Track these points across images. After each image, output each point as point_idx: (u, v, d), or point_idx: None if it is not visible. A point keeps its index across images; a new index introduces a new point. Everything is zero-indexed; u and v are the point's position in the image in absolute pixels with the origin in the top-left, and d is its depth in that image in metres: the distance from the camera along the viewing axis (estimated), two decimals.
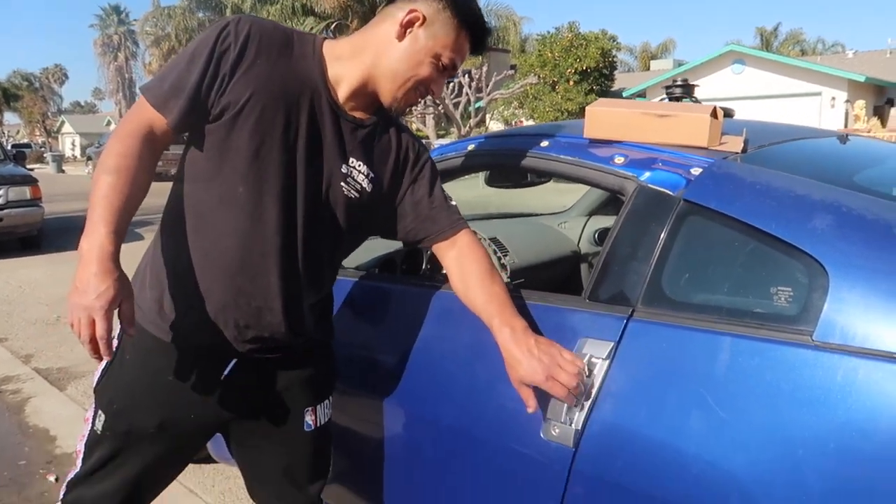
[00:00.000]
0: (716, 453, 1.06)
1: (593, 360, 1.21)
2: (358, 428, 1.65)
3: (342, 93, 1.27)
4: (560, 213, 3.05)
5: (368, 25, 1.32)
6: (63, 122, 56.01)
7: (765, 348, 1.08)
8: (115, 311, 1.10)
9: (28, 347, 4.34)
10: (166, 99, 1.20)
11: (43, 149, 41.89)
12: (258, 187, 1.22)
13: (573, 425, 1.19)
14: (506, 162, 1.58)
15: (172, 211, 1.30)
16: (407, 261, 2.10)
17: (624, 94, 22.46)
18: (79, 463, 1.34)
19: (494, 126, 23.08)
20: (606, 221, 2.89)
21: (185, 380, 1.27)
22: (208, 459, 2.23)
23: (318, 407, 1.41)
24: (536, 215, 3.06)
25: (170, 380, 1.27)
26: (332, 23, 23.58)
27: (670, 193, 1.28)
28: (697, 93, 2.28)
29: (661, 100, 2.15)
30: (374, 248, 2.06)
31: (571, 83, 22.11)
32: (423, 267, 2.15)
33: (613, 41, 23.09)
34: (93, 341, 1.08)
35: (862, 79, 19.72)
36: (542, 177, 1.94)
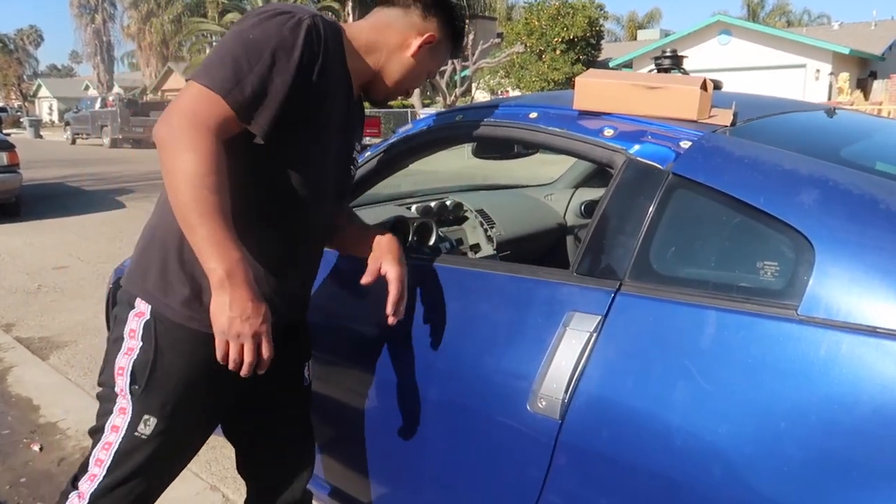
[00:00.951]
0: (700, 425, 1.07)
1: (580, 334, 1.21)
2: (344, 399, 1.65)
3: (354, 84, 1.33)
4: (546, 184, 3.05)
5: (380, 20, 1.34)
6: (40, 86, 54.71)
7: (750, 322, 1.08)
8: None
9: (8, 316, 4.29)
10: (249, 106, 1.13)
11: (20, 113, 41.00)
12: (307, 179, 1.26)
13: (559, 398, 1.20)
14: (494, 133, 1.56)
15: None
16: (392, 233, 2.08)
17: (611, 64, 22.32)
18: (100, 472, 1.26)
19: (480, 95, 22.88)
20: (593, 194, 2.89)
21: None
22: None
23: (309, 363, 1.49)
24: (523, 187, 3.05)
25: (217, 368, 1.23)
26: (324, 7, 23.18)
27: (659, 167, 1.27)
28: (684, 64, 2.27)
29: (651, 71, 2.14)
30: None
31: (558, 52, 21.91)
32: (410, 239, 2.14)
33: (601, 10, 22.86)
34: (253, 364, 1.14)
35: (846, 51, 19.73)
36: (531, 148, 1.92)
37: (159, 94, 38.49)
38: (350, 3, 24.27)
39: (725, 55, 20.77)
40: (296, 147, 1.24)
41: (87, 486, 1.27)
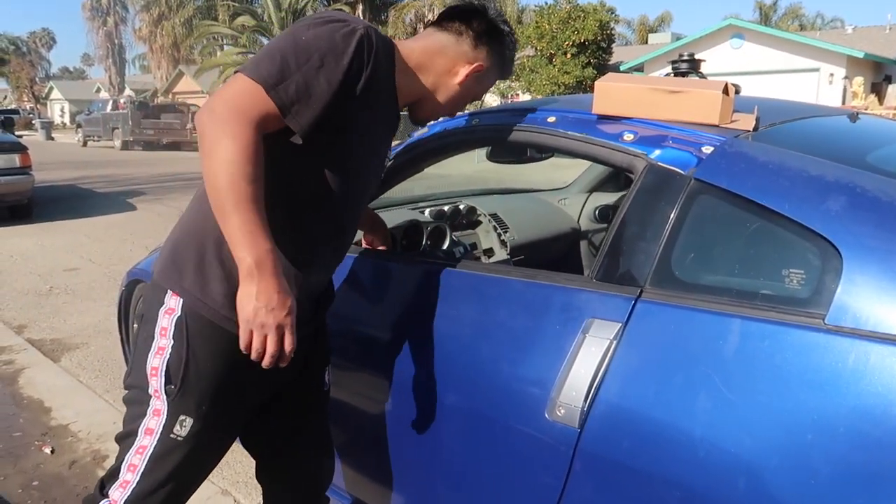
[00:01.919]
0: (724, 436, 1.05)
1: (600, 341, 1.19)
2: (360, 406, 1.64)
3: (400, 100, 1.35)
4: (560, 189, 3.03)
5: (432, 44, 1.35)
6: (52, 88, 55.13)
7: (776, 331, 1.06)
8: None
9: (20, 318, 4.30)
10: (293, 104, 1.13)
11: (31, 115, 41.31)
12: (342, 183, 1.27)
13: (578, 406, 1.18)
14: (511, 137, 1.54)
15: None
16: (406, 237, 2.07)
17: (621, 68, 22.26)
18: (133, 478, 1.25)
19: (490, 99, 22.87)
20: (607, 198, 2.87)
21: (268, 371, 1.23)
22: None
23: (328, 368, 1.49)
24: (536, 191, 3.03)
25: (253, 368, 1.22)
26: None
27: (681, 172, 1.25)
28: (701, 68, 2.24)
29: (667, 75, 2.12)
30: None
31: (569, 56, 21.86)
32: (424, 243, 2.13)
33: (612, 13, 22.80)
34: (278, 356, 1.13)
35: (861, 55, 19.59)
36: (549, 153, 1.91)
37: (170, 96, 38.70)
38: (361, 6, 24.35)
39: (738, 59, 20.66)
40: (335, 152, 1.24)
41: (120, 493, 1.25)
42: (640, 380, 1.15)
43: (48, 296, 4.81)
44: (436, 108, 1.40)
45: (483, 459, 1.35)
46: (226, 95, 1.12)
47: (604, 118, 1.43)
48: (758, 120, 1.36)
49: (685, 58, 2.14)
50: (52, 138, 30.16)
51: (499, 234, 2.53)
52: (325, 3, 26.55)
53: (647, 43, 34.31)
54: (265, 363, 1.14)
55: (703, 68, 2.26)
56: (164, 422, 1.23)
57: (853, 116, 1.70)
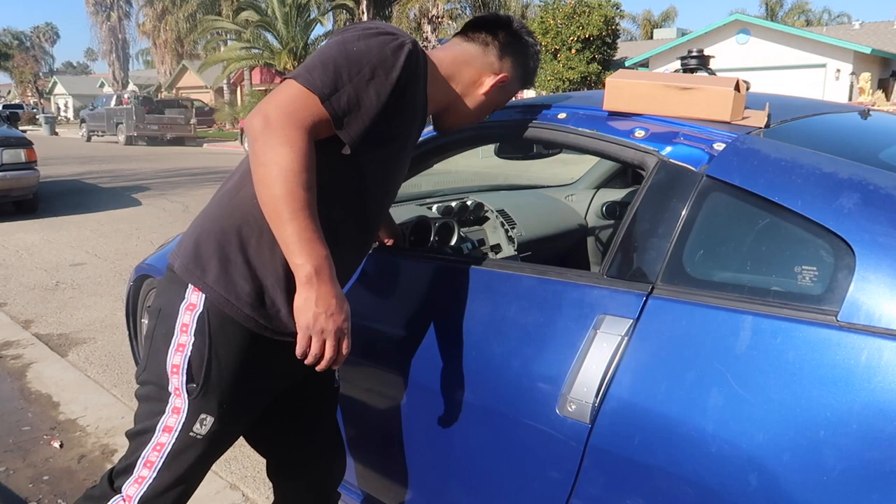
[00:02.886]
0: (735, 432, 1.05)
1: (611, 337, 1.20)
2: (371, 402, 1.65)
3: (429, 110, 1.36)
4: (567, 185, 3.02)
5: (459, 55, 1.37)
6: (55, 83, 55.19)
7: (788, 327, 1.06)
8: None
9: (27, 313, 4.32)
10: (344, 115, 1.14)
11: (35, 110, 41.38)
12: (377, 189, 1.31)
13: (590, 402, 1.18)
14: (522, 133, 1.54)
15: None
16: (414, 233, 2.07)
17: (626, 64, 22.18)
18: (150, 474, 1.25)
19: None
20: (614, 195, 2.87)
21: (284, 364, 1.26)
22: None
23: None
24: (543, 187, 3.03)
25: (273, 365, 1.26)
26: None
27: (693, 169, 1.25)
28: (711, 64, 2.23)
29: (676, 71, 2.11)
30: None
31: (574, 52, 21.79)
32: (432, 240, 2.13)
33: (617, 9, 22.71)
34: (333, 360, 1.15)
35: (868, 50, 19.49)
36: (558, 149, 1.90)
37: (174, 91, 38.72)
38: (364, 2, 24.29)
39: (744, 54, 20.58)
40: (374, 161, 1.25)
41: (135, 489, 1.26)
42: (652, 376, 1.15)
43: (55, 291, 4.83)
44: (461, 117, 1.42)
45: (494, 455, 1.35)
46: (280, 102, 1.11)
47: (615, 115, 1.43)
48: (769, 117, 1.35)
49: (694, 54, 2.13)
50: (56, 133, 30.22)
51: (506, 231, 2.53)
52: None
53: (651, 38, 34.20)
54: (320, 367, 1.16)
55: (710, 64, 2.25)
56: (183, 420, 1.23)
57: (864, 113, 1.70)
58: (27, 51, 59.39)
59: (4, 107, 27.91)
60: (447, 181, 3.05)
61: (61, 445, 2.56)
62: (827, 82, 19.73)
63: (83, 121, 26.63)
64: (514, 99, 1.53)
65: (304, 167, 1.09)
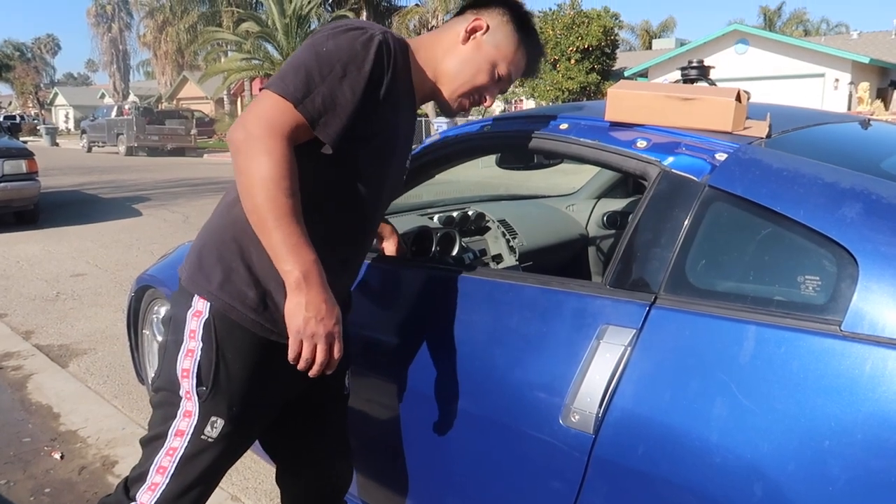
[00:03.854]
0: (739, 442, 1.05)
1: (614, 347, 1.20)
2: (374, 413, 1.64)
3: (417, 96, 1.35)
4: (568, 195, 3.03)
5: (435, 33, 1.37)
6: (56, 95, 55.36)
7: (792, 337, 1.06)
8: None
9: (28, 324, 4.32)
10: (320, 115, 1.15)
11: (36, 121, 41.50)
12: (368, 188, 1.29)
13: (593, 412, 1.18)
14: (523, 143, 1.55)
15: None
16: (416, 243, 2.08)
17: (626, 74, 22.27)
18: (163, 480, 1.25)
19: (494, 104, 22.84)
20: (615, 205, 2.87)
21: (292, 368, 1.25)
22: None
23: (348, 371, 1.48)
24: (544, 197, 3.04)
25: (274, 369, 1.26)
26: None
27: (695, 179, 1.26)
28: (711, 74, 2.25)
29: (676, 81, 2.12)
30: None
31: (573, 62, 21.90)
32: (433, 249, 2.13)
33: (616, 19, 22.84)
34: (325, 364, 1.16)
35: (866, 60, 19.57)
36: (560, 160, 1.91)
37: (174, 102, 38.84)
38: (364, 13, 24.42)
39: (742, 64, 20.66)
40: (362, 158, 1.25)
41: (148, 496, 1.26)
42: (655, 386, 1.15)
43: (55, 301, 4.83)
44: (452, 87, 1.34)
45: (497, 466, 1.35)
46: (256, 112, 1.14)
47: (616, 125, 1.43)
48: (770, 127, 1.36)
49: (694, 64, 2.14)
50: (57, 144, 30.28)
51: (507, 241, 2.53)
52: (329, 8, 26.67)
53: (650, 49, 34.35)
54: (313, 372, 1.17)
55: (710, 74, 2.26)
56: (195, 423, 1.24)
57: (864, 123, 1.70)
58: (28, 62, 59.64)
59: (5, 118, 28.00)
60: (449, 191, 3.06)
61: (62, 457, 2.55)
62: (826, 92, 19.80)
63: (84, 131, 26.69)
64: (513, 107, 1.53)
65: (284, 174, 1.10)
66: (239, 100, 33.19)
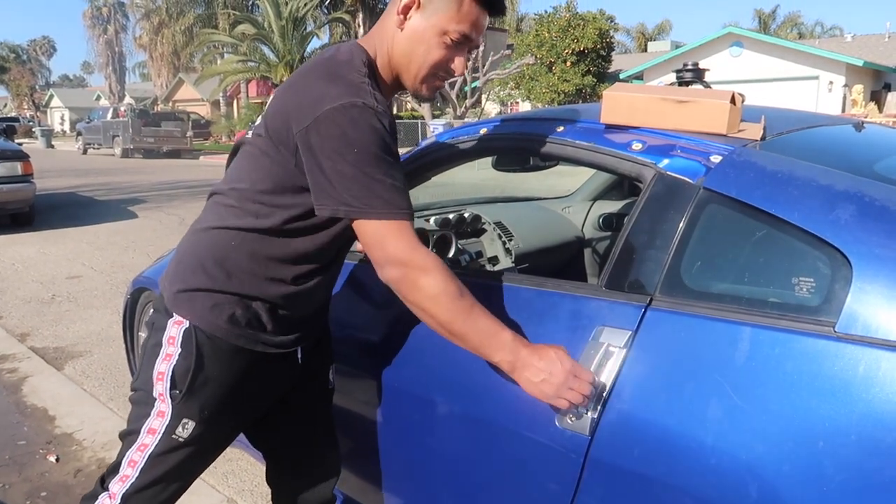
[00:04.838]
0: (735, 444, 1.05)
1: (609, 349, 1.20)
2: (368, 414, 1.64)
3: (388, 97, 1.31)
4: (564, 197, 3.04)
5: (379, 25, 1.31)
6: (52, 96, 55.23)
7: (786, 339, 1.07)
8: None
9: (23, 326, 4.30)
10: (408, 206, 1.18)
11: (31, 123, 41.39)
12: None
13: (589, 414, 1.18)
14: (519, 146, 1.56)
15: (271, 249, 1.27)
16: None
17: (621, 76, 22.34)
18: (133, 473, 1.28)
19: (490, 107, 22.92)
20: (611, 206, 2.88)
21: (273, 375, 1.30)
22: None
23: (333, 366, 1.52)
24: (540, 199, 3.04)
25: (257, 379, 1.29)
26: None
27: (690, 181, 1.26)
28: (706, 77, 2.25)
29: (671, 84, 2.13)
30: None
31: (569, 64, 21.96)
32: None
33: (611, 22, 22.90)
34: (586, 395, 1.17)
35: (860, 63, 19.67)
36: (556, 162, 1.91)
37: (170, 104, 38.79)
38: (360, 16, 24.44)
39: (737, 67, 20.75)
40: None
41: (119, 486, 1.29)
42: (651, 388, 1.16)
43: (51, 304, 4.81)
44: (409, 69, 1.26)
45: (493, 467, 1.35)
46: (381, 245, 1.16)
47: (612, 128, 1.44)
48: (765, 129, 1.37)
49: (689, 67, 2.15)
50: (53, 146, 30.22)
51: (503, 243, 2.53)
52: (326, 11, 26.67)
53: (646, 51, 34.44)
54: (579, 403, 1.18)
55: (705, 77, 2.26)
56: (166, 423, 1.26)
57: (859, 126, 1.71)
58: (24, 64, 59.48)
59: (1, 120, 27.91)
60: (444, 193, 3.06)
61: (57, 460, 2.54)
62: (820, 94, 19.90)
63: (79, 133, 26.65)
64: (509, 109, 1.53)
65: (447, 280, 1.14)
66: (235, 101, 33.16)
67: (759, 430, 1.04)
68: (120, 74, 55.00)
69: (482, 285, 1.47)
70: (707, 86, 2.12)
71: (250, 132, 1.32)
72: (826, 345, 1.04)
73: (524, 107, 23.75)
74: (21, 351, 3.76)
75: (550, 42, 22.12)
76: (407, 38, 1.24)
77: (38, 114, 51.63)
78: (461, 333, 1.15)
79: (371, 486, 1.72)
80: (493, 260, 2.51)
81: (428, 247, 2.12)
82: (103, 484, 1.33)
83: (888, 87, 20.54)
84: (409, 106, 23.83)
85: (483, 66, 19.30)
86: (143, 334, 2.75)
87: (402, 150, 1.63)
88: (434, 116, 19.80)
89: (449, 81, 1.39)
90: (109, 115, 24.32)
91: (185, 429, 1.26)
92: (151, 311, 2.62)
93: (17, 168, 7.66)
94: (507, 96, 23.78)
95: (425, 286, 1.14)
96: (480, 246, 2.52)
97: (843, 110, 17.12)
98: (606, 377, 1.19)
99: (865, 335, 1.01)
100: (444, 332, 1.17)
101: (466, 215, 2.49)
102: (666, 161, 1.31)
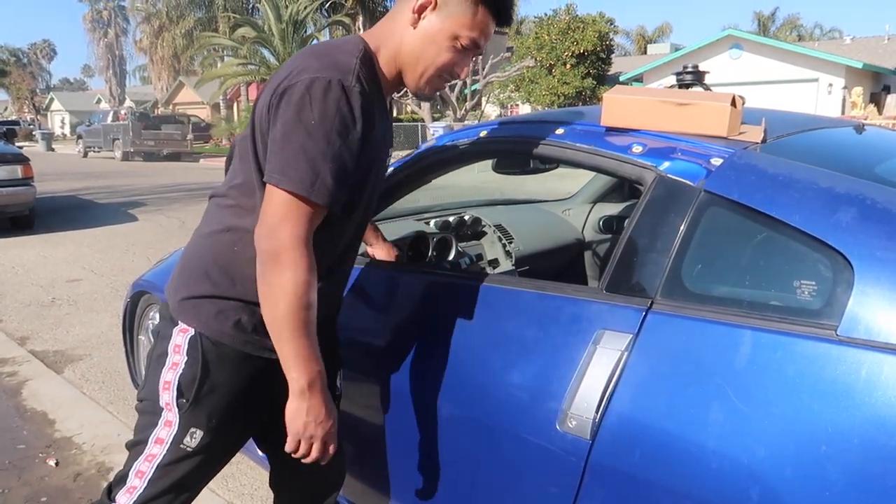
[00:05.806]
0: (736, 447, 1.05)
1: (610, 352, 1.20)
2: (370, 418, 1.64)
3: (386, 94, 1.30)
4: (564, 199, 3.03)
5: (388, 20, 1.29)
6: (52, 100, 55.27)
7: (788, 342, 1.06)
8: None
9: (23, 329, 4.30)
10: (333, 192, 1.14)
11: (32, 126, 41.41)
12: (359, 199, 1.29)
13: (590, 417, 1.18)
14: (520, 148, 1.55)
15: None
16: (412, 248, 2.08)
17: (621, 79, 22.35)
18: (140, 484, 1.27)
19: (490, 109, 22.95)
20: (611, 209, 2.88)
21: (280, 382, 1.26)
22: None
23: (340, 372, 1.49)
24: (541, 202, 3.04)
25: (264, 385, 1.28)
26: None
27: (690, 184, 1.26)
28: (705, 79, 2.26)
29: (671, 86, 2.13)
30: None
31: (568, 66, 21.98)
32: (430, 254, 2.13)
33: (611, 24, 22.93)
34: (323, 458, 1.24)
35: (859, 65, 19.69)
36: (556, 164, 1.91)
37: (171, 107, 38.82)
38: (360, 19, 24.47)
39: (737, 69, 20.77)
40: (358, 190, 1.26)
41: (126, 498, 1.28)
42: (652, 391, 1.15)
43: (50, 307, 4.81)
44: (412, 69, 1.26)
45: (494, 471, 1.35)
46: (277, 216, 1.12)
47: (612, 130, 1.43)
48: (766, 132, 1.37)
49: (689, 69, 2.15)
50: (53, 149, 30.22)
51: (504, 245, 2.53)
52: (326, 14, 26.70)
53: (645, 53, 34.47)
54: (307, 460, 1.24)
55: (705, 80, 2.27)
56: (174, 433, 1.25)
57: (859, 128, 1.71)
58: (24, 67, 59.55)
59: (0, 123, 27.93)
60: (445, 196, 3.05)
61: (57, 464, 2.54)
62: (819, 96, 19.91)
63: (80, 137, 26.65)
64: (509, 112, 1.53)
65: (306, 288, 1.13)
66: (235, 105, 33.19)
67: (760, 434, 1.04)
68: (120, 78, 55.09)
69: (482, 288, 1.47)
70: (707, 88, 2.12)
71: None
72: (828, 348, 1.03)
73: (524, 109, 23.77)
74: (21, 354, 3.76)
75: (550, 44, 22.14)
76: (418, 38, 1.23)
77: (38, 117, 51.66)
78: (284, 338, 1.14)
79: (370, 489, 1.71)
80: (494, 262, 2.51)
81: (428, 250, 2.14)
82: (110, 495, 1.31)
83: (888, 89, 20.53)
84: (408, 108, 23.88)
85: (483, 69, 19.33)
86: (142, 338, 2.74)
87: (401, 153, 1.64)
88: (434, 119, 19.82)
89: (449, 84, 1.38)
90: (110, 119, 24.32)
91: (193, 438, 1.25)
92: (153, 315, 2.62)
93: (18, 171, 7.66)
94: (506, 99, 23.80)
95: (286, 281, 1.11)
96: (481, 248, 2.51)
97: (843, 112, 17.14)
98: (607, 380, 1.18)
99: (868, 338, 1.01)
100: (273, 327, 1.14)
101: (467, 218, 2.49)
102: (666, 164, 1.31)
